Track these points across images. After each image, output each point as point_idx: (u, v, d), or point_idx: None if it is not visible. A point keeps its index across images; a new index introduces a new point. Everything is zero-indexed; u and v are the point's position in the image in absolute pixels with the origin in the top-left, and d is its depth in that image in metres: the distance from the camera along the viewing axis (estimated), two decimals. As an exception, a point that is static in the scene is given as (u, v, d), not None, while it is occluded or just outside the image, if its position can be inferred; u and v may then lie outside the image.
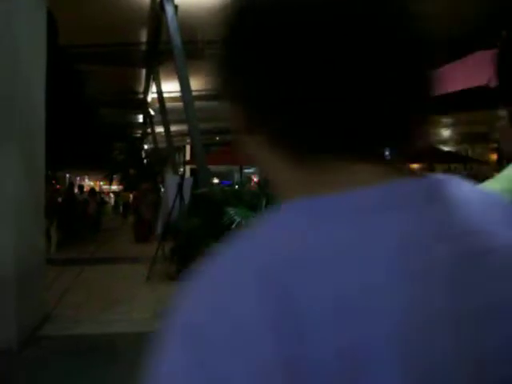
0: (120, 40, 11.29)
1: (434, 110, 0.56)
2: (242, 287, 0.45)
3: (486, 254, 0.50)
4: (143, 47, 12.32)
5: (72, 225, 13.50)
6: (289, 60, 0.50)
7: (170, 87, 14.21)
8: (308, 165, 0.53)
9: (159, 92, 14.90)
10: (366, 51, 0.50)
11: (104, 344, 4.73)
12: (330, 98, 0.50)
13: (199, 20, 5.74)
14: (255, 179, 13.03)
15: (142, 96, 18.25)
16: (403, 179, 0.52)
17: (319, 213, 0.49)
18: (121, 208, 24.37)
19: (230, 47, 0.55)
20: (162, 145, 19.85)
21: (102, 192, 30.55)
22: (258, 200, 6.69)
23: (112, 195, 33.12)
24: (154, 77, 14.74)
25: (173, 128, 16.60)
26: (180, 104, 9.05)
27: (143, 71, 14.93)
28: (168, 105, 15.18)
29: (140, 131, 26.03)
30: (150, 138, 24.08)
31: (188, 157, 27.08)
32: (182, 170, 20.53)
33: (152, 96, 17.41)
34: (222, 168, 17.44)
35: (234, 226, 6.01)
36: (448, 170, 11.90)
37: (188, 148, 27.29)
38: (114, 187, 31.86)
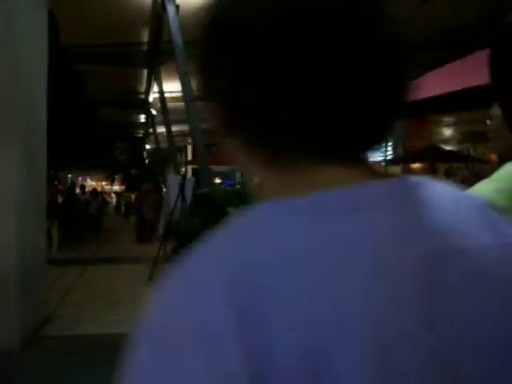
0: (121, 40, 11.27)
1: (407, 113, 0.56)
2: (208, 289, 0.45)
3: (460, 255, 0.50)
4: (145, 47, 12.30)
5: (73, 225, 13.50)
6: (262, 63, 0.51)
7: (172, 87, 14.18)
8: (283, 167, 0.53)
9: (161, 92, 14.88)
10: (341, 54, 0.50)
11: (105, 344, 4.72)
12: (303, 102, 0.50)
13: (200, 20, 5.72)
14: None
15: (143, 96, 18.22)
16: (377, 181, 0.53)
17: (291, 214, 0.49)
18: (123, 208, 24.38)
19: (208, 49, 0.56)
20: (164, 145, 19.83)
21: (103, 192, 30.54)
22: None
23: (114, 195, 33.14)
24: (155, 77, 14.72)
25: (174, 128, 16.57)
26: (181, 104, 9.03)
27: (145, 71, 14.90)
28: (169, 105, 15.16)
29: (142, 131, 26.02)
30: (151, 138, 24.06)
31: (190, 157, 27.09)
32: (183, 169, 20.52)
33: (153, 96, 17.39)
34: (223, 168, 17.43)
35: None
36: (450, 170, 11.88)
37: (190, 148, 27.30)
38: (116, 187, 31.88)
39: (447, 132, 13.12)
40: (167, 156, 17.48)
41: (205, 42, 0.56)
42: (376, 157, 14.45)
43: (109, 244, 13.11)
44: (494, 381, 0.48)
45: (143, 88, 17.27)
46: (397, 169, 13.36)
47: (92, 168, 28.37)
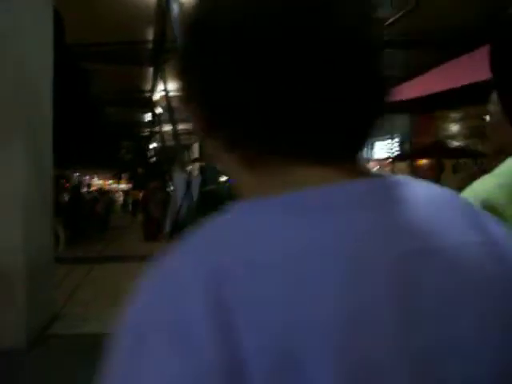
0: (127, 38, 11.29)
1: (385, 112, 0.57)
2: (184, 289, 0.45)
3: (437, 254, 0.50)
4: (150, 45, 12.31)
5: (79, 223, 13.55)
6: (238, 65, 0.51)
7: (177, 85, 14.20)
8: (260, 167, 0.54)
9: (166, 90, 14.89)
10: (315, 55, 0.50)
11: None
12: (278, 104, 0.51)
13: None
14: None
15: (149, 94, 18.25)
16: (355, 180, 0.53)
17: (266, 213, 0.50)
18: (130, 206, 24.46)
19: (187, 49, 0.57)
20: (170, 143, 19.86)
21: (110, 191, 30.67)
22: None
23: (120, 194, 33.23)
24: (160, 75, 14.73)
25: (180, 126, 16.60)
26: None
27: (150, 69, 14.92)
28: (175, 103, 15.18)
29: (147, 130, 26.06)
30: (157, 136, 24.11)
31: (196, 155, 27.12)
32: (189, 167, 20.57)
33: (159, 94, 17.41)
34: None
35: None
36: (457, 165, 11.82)
37: (196, 146, 27.33)
38: (122, 186, 31.98)
39: (454, 127, 13.06)
40: (173, 154, 17.51)
41: (185, 43, 0.57)
42: (383, 153, 14.43)
43: (116, 242, 13.15)
44: (471, 381, 0.48)
45: (149, 86, 17.30)
46: (403, 165, 13.32)
47: (99, 167, 28.44)
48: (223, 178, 8.64)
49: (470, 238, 0.53)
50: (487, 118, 1.45)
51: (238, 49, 0.51)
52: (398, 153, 13.71)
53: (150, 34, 11.60)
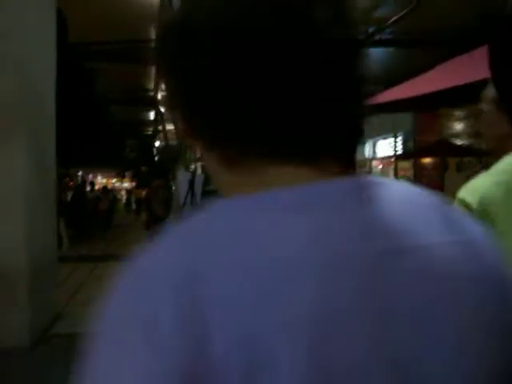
0: (130, 37, 11.29)
1: (364, 112, 0.57)
2: (155, 287, 0.46)
3: (410, 253, 0.51)
4: (153, 44, 12.32)
5: (82, 222, 13.56)
6: (216, 68, 0.52)
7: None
8: (239, 167, 0.55)
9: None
10: (293, 56, 0.51)
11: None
12: (254, 106, 0.52)
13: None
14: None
15: (152, 93, 18.27)
16: (329, 180, 0.54)
17: (239, 213, 0.50)
18: (133, 205, 24.47)
19: (164, 51, 0.59)
20: (173, 142, 19.87)
21: (114, 189, 30.69)
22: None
23: (124, 192, 33.25)
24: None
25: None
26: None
27: (153, 68, 14.93)
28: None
29: (151, 129, 26.08)
30: (161, 135, 24.12)
31: (199, 153, 27.10)
32: (193, 166, 20.58)
33: (162, 93, 17.40)
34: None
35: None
36: (461, 164, 11.79)
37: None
38: (126, 184, 32.01)
39: (458, 126, 13.02)
40: (177, 153, 17.52)
41: (166, 45, 0.58)
42: (386, 152, 14.40)
43: (119, 241, 13.15)
44: (445, 381, 0.49)
45: (152, 85, 17.30)
46: (406, 164, 13.29)
47: (102, 165, 28.49)
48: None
49: (445, 237, 0.54)
50: (479, 117, 1.45)
51: (218, 51, 0.52)
52: (402, 151, 13.68)
53: (153, 33, 11.60)
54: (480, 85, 1.50)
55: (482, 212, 1.17)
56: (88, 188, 17.78)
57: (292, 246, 0.47)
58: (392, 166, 14.18)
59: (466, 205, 1.22)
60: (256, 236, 0.48)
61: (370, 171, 15.26)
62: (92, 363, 0.46)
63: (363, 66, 0.56)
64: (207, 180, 8.96)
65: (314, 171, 0.54)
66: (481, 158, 11.94)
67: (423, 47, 9.70)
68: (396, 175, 13.68)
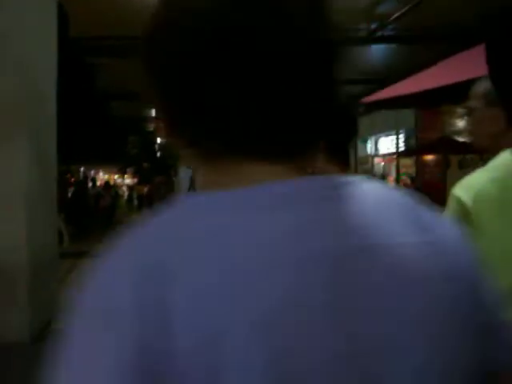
0: (132, 33, 11.27)
1: (338, 113, 0.58)
2: (118, 280, 0.48)
3: (379, 252, 0.51)
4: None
5: (83, 219, 13.57)
6: (190, 68, 0.53)
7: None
8: (218, 165, 0.56)
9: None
10: (264, 57, 0.52)
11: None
12: (228, 106, 0.52)
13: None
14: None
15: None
16: (303, 178, 0.55)
17: (207, 207, 0.51)
18: (135, 201, 24.52)
19: (147, 51, 0.60)
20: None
21: (116, 185, 30.73)
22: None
23: (125, 188, 33.28)
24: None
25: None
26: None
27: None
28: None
29: (153, 125, 26.09)
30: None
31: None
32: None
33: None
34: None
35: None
36: (463, 161, 11.76)
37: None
38: (128, 180, 32.08)
39: (461, 123, 12.99)
40: (178, 149, 17.52)
41: (145, 43, 0.60)
42: (388, 149, 14.39)
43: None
44: (419, 380, 0.49)
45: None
46: (408, 161, 13.28)
47: (104, 162, 28.55)
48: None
49: (418, 237, 0.54)
50: (466, 117, 1.46)
51: (195, 49, 0.52)
52: (404, 148, 13.65)
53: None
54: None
55: (477, 209, 1.17)
56: (89, 184, 17.78)
57: (253, 244, 0.47)
58: (394, 163, 14.17)
59: (460, 203, 1.21)
60: (229, 233, 0.48)
61: (372, 168, 15.26)
62: (64, 353, 0.48)
63: (341, 68, 0.56)
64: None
65: (289, 170, 0.55)
66: (482, 155, 11.92)
67: (425, 43, 9.67)
68: (398, 172, 13.67)
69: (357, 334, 0.47)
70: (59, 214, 10.60)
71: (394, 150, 14.17)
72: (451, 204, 1.25)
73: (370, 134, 15.03)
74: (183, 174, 10.05)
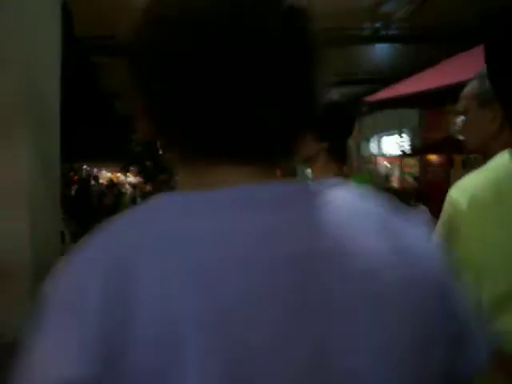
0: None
1: (311, 116, 0.59)
2: (90, 267, 0.51)
3: (349, 257, 0.52)
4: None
5: (86, 218, 13.57)
6: (162, 71, 0.55)
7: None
8: (196, 167, 0.57)
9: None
10: (233, 63, 0.53)
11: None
12: (201, 109, 0.53)
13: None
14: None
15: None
16: (276, 181, 0.56)
17: (181, 207, 0.52)
18: (139, 200, 24.52)
19: (130, 55, 0.62)
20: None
21: (119, 184, 30.77)
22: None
23: (128, 186, 33.31)
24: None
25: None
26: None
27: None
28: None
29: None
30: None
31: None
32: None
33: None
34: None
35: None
36: (467, 161, 11.74)
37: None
38: (130, 179, 32.12)
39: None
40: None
41: (129, 43, 0.62)
42: (391, 149, 14.36)
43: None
44: (370, 379, 0.49)
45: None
46: (412, 160, 13.24)
47: (107, 160, 28.54)
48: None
49: (383, 244, 0.54)
50: (458, 119, 1.47)
51: (191, 51, 0.53)
52: (407, 148, 13.62)
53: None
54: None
55: (472, 211, 1.17)
56: (92, 182, 17.80)
57: (237, 244, 0.49)
58: (397, 163, 14.14)
59: (456, 205, 1.21)
60: (199, 233, 0.49)
61: (375, 167, 15.23)
62: (34, 337, 0.52)
63: (313, 74, 0.57)
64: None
65: (265, 172, 0.56)
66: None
67: (429, 43, 9.64)
68: (401, 172, 13.64)
69: (323, 335, 0.48)
70: (64, 216, 10.64)
71: (397, 149, 14.14)
72: (446, 205, 1.25)
73: (374, 134, 15.00)
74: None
